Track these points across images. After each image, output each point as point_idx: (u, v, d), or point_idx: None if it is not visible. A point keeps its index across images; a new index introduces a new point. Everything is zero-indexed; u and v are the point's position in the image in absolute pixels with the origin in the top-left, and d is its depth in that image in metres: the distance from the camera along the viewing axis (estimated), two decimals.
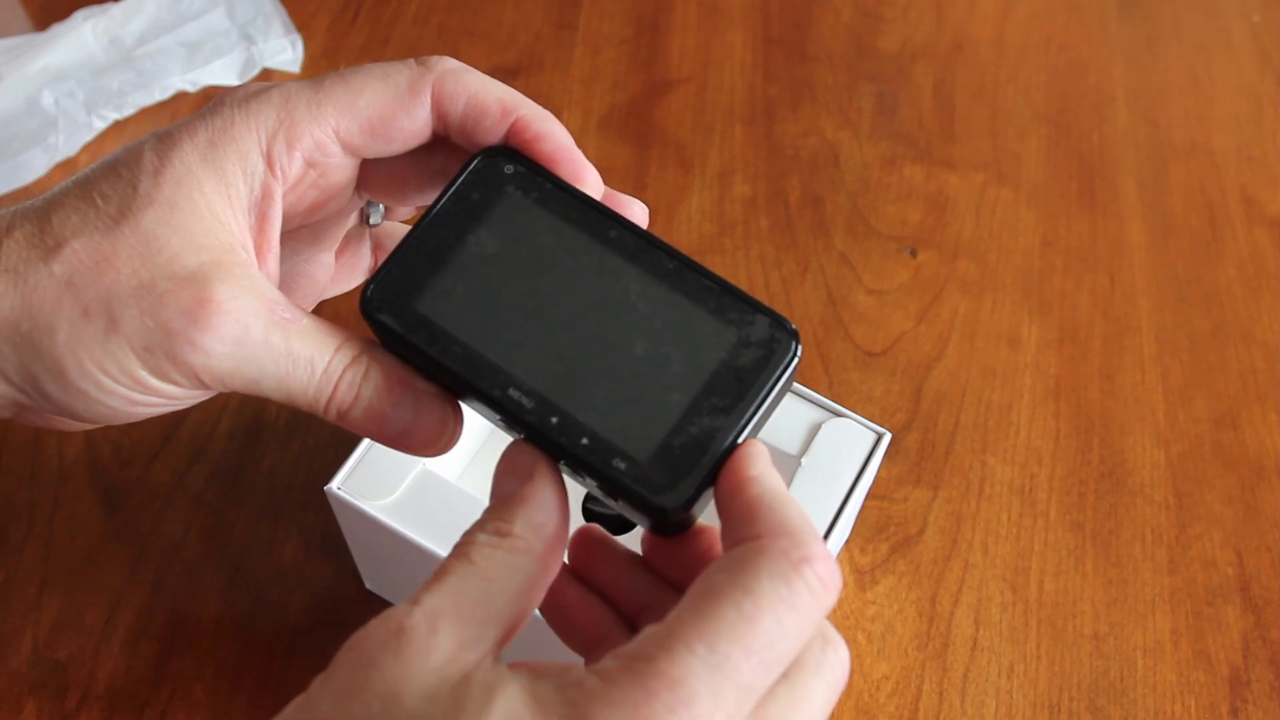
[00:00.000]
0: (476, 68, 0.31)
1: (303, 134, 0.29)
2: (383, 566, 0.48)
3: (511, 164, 0.30)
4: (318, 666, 0.25)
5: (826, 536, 0.43)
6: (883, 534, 0.54)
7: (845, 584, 0.52)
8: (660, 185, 0.67)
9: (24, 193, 0.65)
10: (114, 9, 0.69)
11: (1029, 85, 0.74)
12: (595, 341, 0.28)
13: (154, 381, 0.28)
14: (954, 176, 0.68)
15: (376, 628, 0.24)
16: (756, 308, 0.28)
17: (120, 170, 0.28)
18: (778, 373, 0.28)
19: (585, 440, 0.27)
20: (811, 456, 0.45)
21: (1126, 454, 0.57)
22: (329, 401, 0.29)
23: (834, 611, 0.51)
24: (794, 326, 0.28)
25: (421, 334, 0.29)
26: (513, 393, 0.28)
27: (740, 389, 0.27)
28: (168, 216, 0.28)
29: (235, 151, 0.29)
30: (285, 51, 0.70)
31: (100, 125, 0.67)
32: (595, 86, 0.72)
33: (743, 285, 0.63)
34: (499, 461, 0.28)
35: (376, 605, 0.50)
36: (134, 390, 0.28)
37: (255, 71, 0.70)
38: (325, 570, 0.51)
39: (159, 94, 0.68)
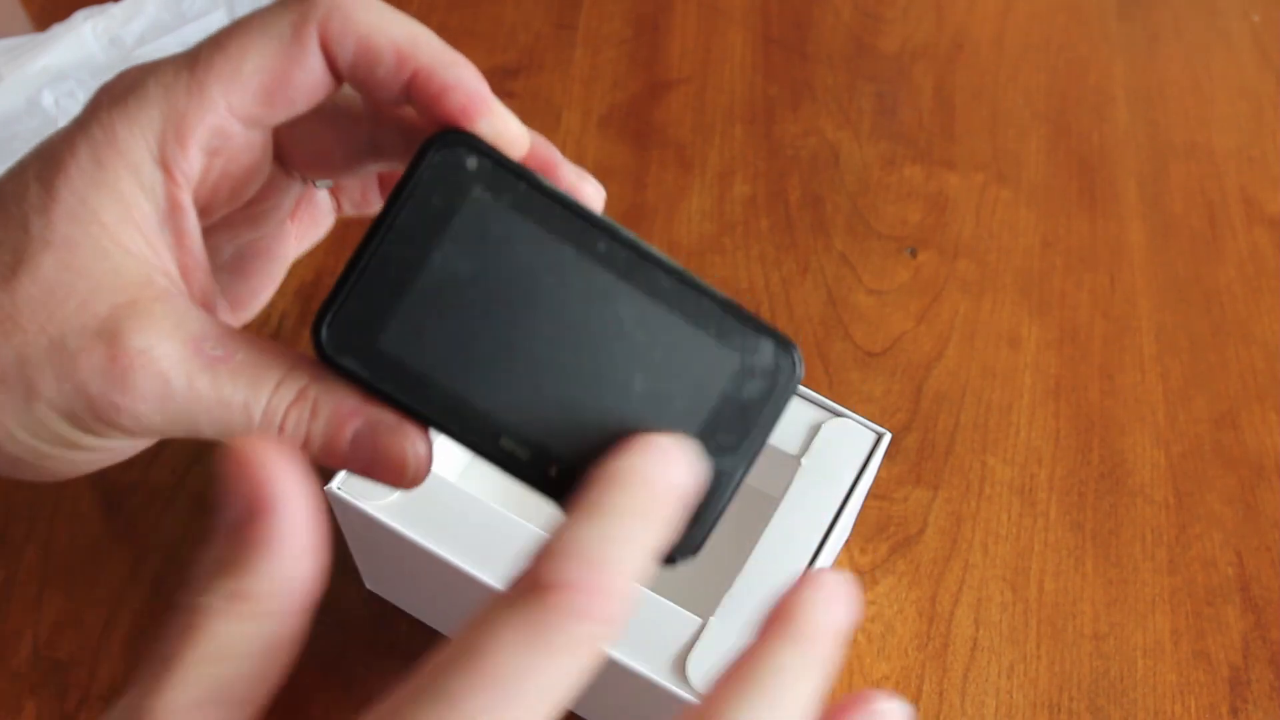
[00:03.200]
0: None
1: (193, 126, 0.25)
2: (383, 566, 0.48)
3: (474, 156, 0.25)
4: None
5: (827, 536, 0.43)
6: (883, 534, 0.54)
7: None
8: (660, 185, 0.67)
9: None
10: (114, 9, 0.69)
11: (1029, 85, 0.74)
12: (590, 377, 0.25)
13: (88, 439, 0.26)
14: (954, 176, 0.68)
15: None
16: (759, 329, 0.26)
17: (9, 206, 0.25)
18: (782, 404, 0.26)
19: None
20: (811, 457, 0.45)
21: (1126, 454, 0.57)
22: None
23: None
24: (797, 349, 0.26)
25: (393, 381, 0.25)
26: (505, 443, 0.25)
27: (746, 424, 0.26)
28: (68, 259, 0.25)
29: (126, 167, 0.25)
30: None
31: None
32: (595, 86, 0.72)
33: (743, 285, 0.63)
34: (226, 462, 0.22)
35: (376, 605, 0.50)
36: (71, 450, 0.26)
37: None
38: (325, 570, 0.51)
39: None
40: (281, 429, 0.26)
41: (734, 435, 0.26)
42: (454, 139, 0.25)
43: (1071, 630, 0.52)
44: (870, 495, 0.55)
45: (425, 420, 0.26)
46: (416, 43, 0.26)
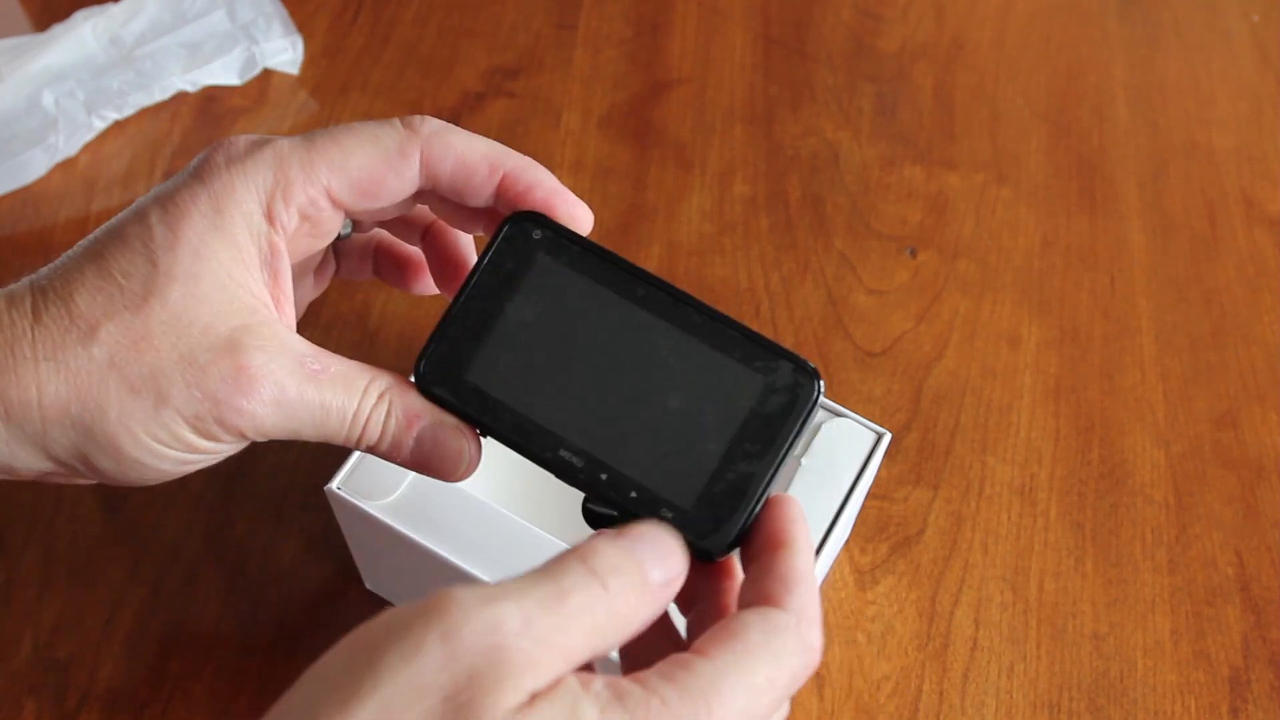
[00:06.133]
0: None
1: (298, 192, 0.31)
2: (383, 566, 0.48)
3: (539, 229, 0.32)
4: None
5: (826, 536, 0.43)
6: (883, 534, 0.54)
7: (846, 584, 0.52)
8: (660, 185, 0.67)
9: (24, 192, 0.65)
10: (114, 9, 0.69)
11: (1029, 85, 0.74)
12: (634, 398, 0.31)
13: (203, 443, 0.30)
14: (954, 176, 0.68)
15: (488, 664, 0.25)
16: (779, 354, 0.31)
17: (134, 244, 0.30)
18: (803, 416, 0.30)
19: (634, 493, 0.30)
20: (811, 456, 0.45)
21: (1126, 454, 0.57)
22: (359, 440, 0.32)
23: (834, 612, 0.51)
24: (814, 368, 0.30)
25: (474, 404, 0.31)
26: (563, 454, 0.31)
27: (770, 434, 0.30)
28: (193, 290, 0.30)
29: (240, 215, 0.30)
30: (285, 52, 0.70)
31: (100, 125, 0.67)
32: (595, 86, 0.72)
33: (743, 285, 0.63)
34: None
35: (376, 605, 0.50)
36: (185, 452, 0.30)
37: (256, 71, 0.70)
38: (325, 570, 0.51)
39: (159, 94, 0.68)
40: (366, 427, 0.31)
41: (760, 444, 0.30)
42: (523, 217, 0.32)
43: (1071, 630, 0.52)
44: (870, 495, 0.55)
45: (498, 436, 0.31)
46: (501, 154, 0.32)
